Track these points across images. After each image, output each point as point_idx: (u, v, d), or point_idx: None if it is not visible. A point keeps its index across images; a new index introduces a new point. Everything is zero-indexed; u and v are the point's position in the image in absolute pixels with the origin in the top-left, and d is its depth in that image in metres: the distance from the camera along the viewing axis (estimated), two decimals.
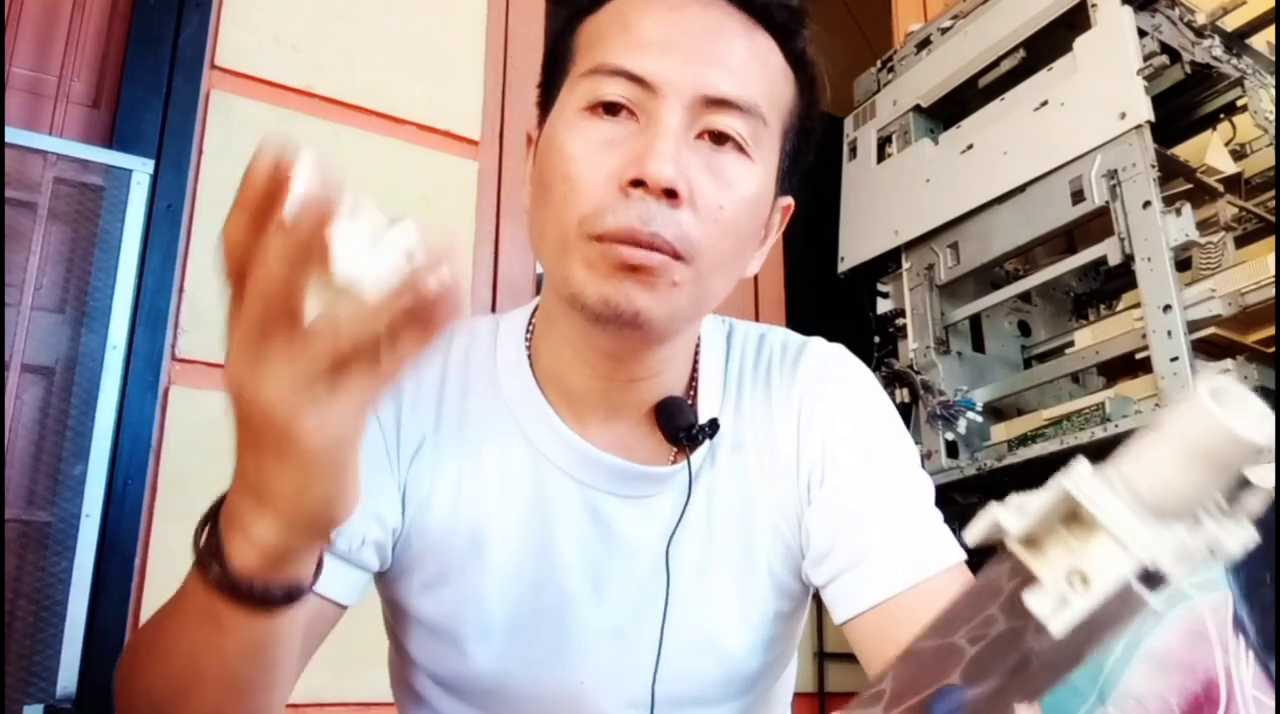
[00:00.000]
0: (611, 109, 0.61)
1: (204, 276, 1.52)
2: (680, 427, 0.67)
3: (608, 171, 0.59)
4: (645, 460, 0.69)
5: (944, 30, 1.99)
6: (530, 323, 0.73)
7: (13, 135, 1.37)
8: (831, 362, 0.74)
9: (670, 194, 0.58)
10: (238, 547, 0.45)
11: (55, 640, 1.27)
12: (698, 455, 0.69)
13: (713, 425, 0.68)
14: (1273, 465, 0.29)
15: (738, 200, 0.62)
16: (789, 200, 0.72)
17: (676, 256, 0.59)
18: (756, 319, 2.12)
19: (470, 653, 0.67)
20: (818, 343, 0.75)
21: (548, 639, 0.68)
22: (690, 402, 0.71)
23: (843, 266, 2.08)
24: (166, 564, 1.39)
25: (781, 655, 0.74)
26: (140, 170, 1.46)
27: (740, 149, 0.62)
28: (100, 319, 1.40)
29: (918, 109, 2.01)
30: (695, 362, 0.73)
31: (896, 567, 0.63)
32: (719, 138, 0.61)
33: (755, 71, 0.63)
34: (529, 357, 0.71)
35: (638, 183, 0.58)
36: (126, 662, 0.55)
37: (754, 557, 0.70)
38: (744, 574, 0.69)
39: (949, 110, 1.98)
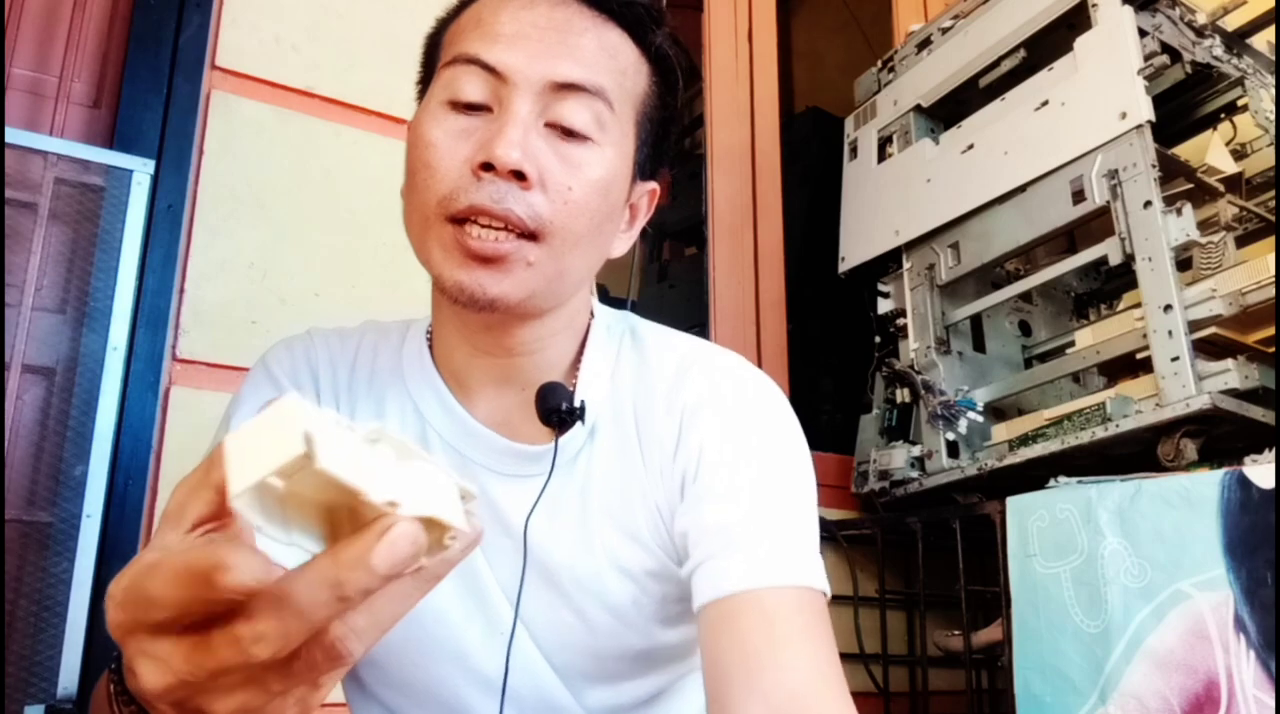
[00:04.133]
0: (471, 108, 0.65)
1: (204, 277, 1.52)
2: (550, 407, 0.70)
3: (463, 156, 0.64)
4: (529, 441, 0.71)
5: (944, 30, 1.99)
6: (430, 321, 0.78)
7: (13, 135, 1.37)
8: (725, 377, 0.74)
9: (519, 176, 0.62)
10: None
11: (56, 641, 1.27)
12: (576, 439, 0.71)
13: (582, 408, 0.70)
14: (1273, 465, 0.29)
15: (586, 182, 0.65)
16: (654, 185, 0.75)
17: (529, 235, 0.63)
18: (757, 319, 2.11)
19: None
20: (716, 359, 0.75)
21: (468, 587, 0.71)
22: (572, 386, 0.73)
23: (843, 266, 2.07)
24: None
25: (681, 640, 0.75)
26: (140, 171, 1.46)
27: (586, 138, 0.66)
28: (101, 320, 1.40)
29: (918, 109, 2.01)
30: (584, 346, 0.75)
31: (747, 565, 0.64)
32: (567, 132, 0.65)
33: (603, 61, 0.67)
34: (430, 345, 0.76)
35: (488, 166, 0.62)
36: None
37: (629, 536, 0.71)
38: (618, 554, 0.71)
39: (949, 110, 1.98)
